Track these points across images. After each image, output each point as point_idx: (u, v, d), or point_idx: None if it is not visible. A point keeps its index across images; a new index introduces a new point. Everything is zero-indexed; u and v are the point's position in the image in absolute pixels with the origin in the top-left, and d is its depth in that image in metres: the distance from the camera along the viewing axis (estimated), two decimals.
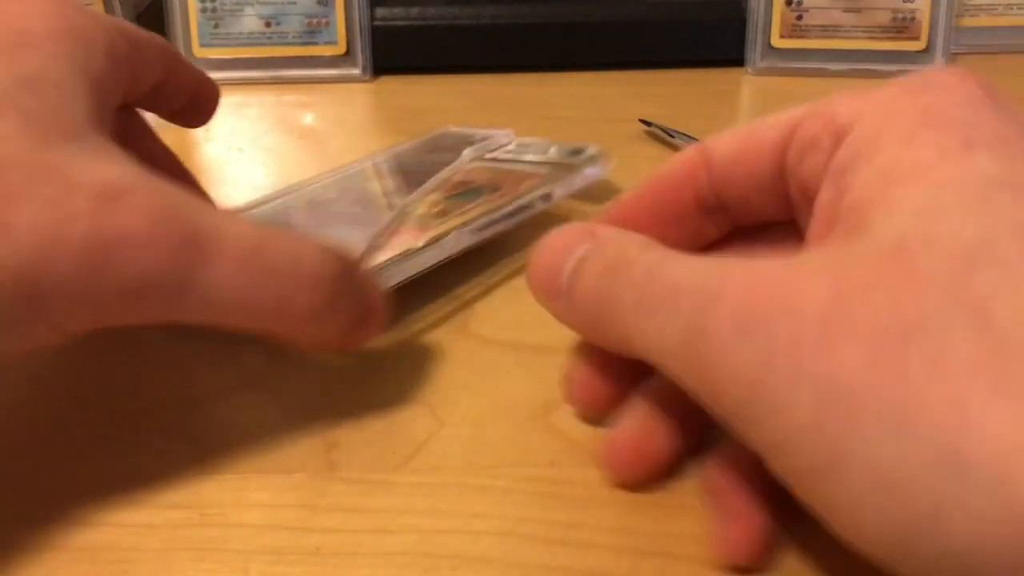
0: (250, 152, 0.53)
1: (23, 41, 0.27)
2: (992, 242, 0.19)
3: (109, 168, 0.25)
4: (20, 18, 0.27)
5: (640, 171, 0.32)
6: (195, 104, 0.36)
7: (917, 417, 0.18)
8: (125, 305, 0.24)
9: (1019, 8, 0.64)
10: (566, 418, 0.30)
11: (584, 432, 0.29)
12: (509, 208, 0.38)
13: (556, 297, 0.27)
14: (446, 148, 0.44)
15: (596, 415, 0.29)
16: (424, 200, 0.38)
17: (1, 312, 0.23)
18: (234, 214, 0.28)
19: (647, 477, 0.27)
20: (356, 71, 0.61)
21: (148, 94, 0.33)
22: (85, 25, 0.29)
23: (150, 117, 0.36)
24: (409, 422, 0.30)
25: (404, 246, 0.35)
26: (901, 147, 0.22)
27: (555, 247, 0.27)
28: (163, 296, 0.24)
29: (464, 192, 0.39)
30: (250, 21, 0.61)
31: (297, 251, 0.26)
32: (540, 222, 0.36)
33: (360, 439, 0.29)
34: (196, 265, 0.24)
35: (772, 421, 0.20)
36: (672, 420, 0.27)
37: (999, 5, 0.63)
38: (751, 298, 0.21)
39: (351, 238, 0.35)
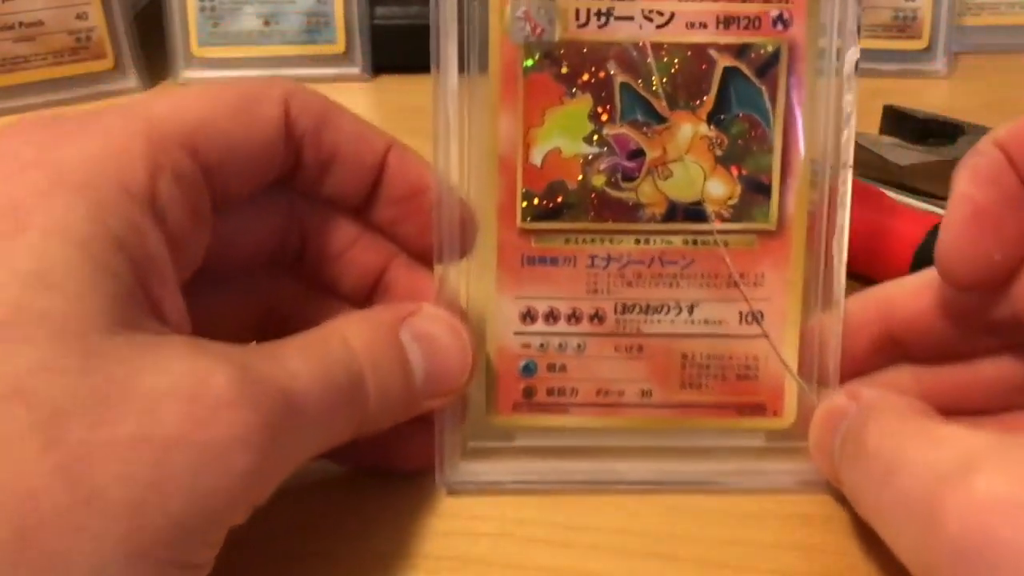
0: None
1: (15, 222, 0.19)
2: None
3: (172, 368, 0.19)
4: (5, 183, 0.20)
5: None
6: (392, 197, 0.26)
7: None
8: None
9: (1021, 7, 0.60)
10: None
11: None
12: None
13: (837, 482, 0.25)
14: None
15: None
16: None
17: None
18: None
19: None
20: (355, 70, 0.58)
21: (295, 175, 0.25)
22: (91, 163, 0.20)
23: None
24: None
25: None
26: None
27: (821, 428, 0.25)
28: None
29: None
30: (249, 20, 0.58)
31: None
32: None
33: None
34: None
35: None
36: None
37: (1001, 4, 0.60)
38: (975, 536, 0.18)
39: None
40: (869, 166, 0.44)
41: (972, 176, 0.24)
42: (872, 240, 0.35)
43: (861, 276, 0.36)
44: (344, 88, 0.59)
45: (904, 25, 0.58)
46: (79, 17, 0.55)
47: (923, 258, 0.34)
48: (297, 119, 0.24)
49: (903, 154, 0.44)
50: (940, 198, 0.42)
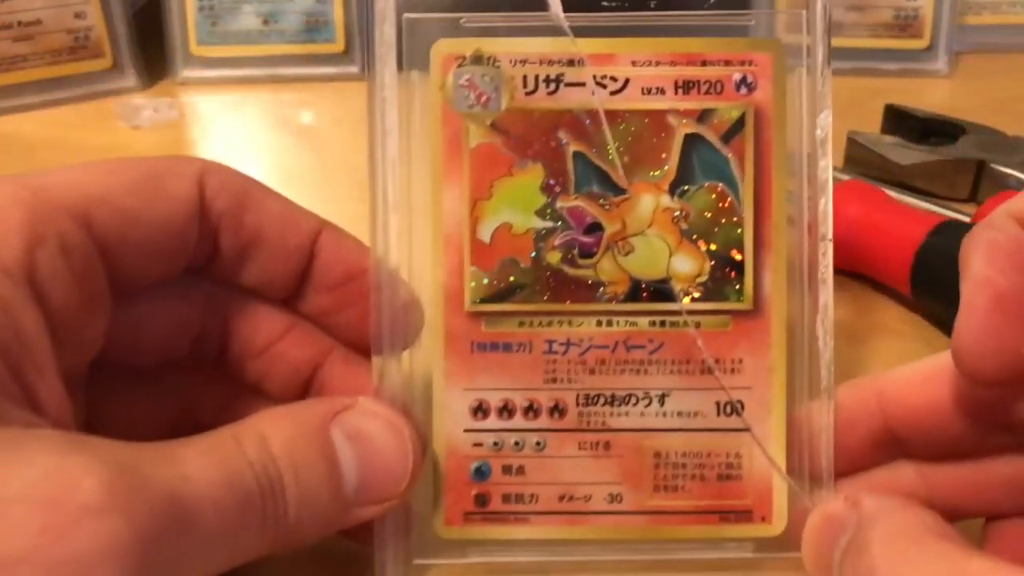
0: (247, 151, 0.51)
1: None
2: None
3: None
4: None
5: None
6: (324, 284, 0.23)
7: None
8: None
9: (1022, 7, 0.60)
10: None
11: None
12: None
13: None
14: None
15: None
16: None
17: None
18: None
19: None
20: (355, 69, 0.58)
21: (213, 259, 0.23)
22: None
23: None
24: None
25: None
26: None
27: (817, 540, 0.21)
28: None
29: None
30: (248, 19, 0.57)
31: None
32: None
33: None
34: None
35: None
36: None
37: (1002, 3, 0.60)
38: None
39: None
40: (870, 165, 0.44)
41: (990, 256, 0.20)
42: (872, 240, 0.35)
43: (861, 276, 0.36)
44: (343, 88, 0.58)
45: (905, 24, 0.58)
46: (77, 16, 0.54)
47: (923, 258, 0.34)
48: (214, 199, 0.22)
49: (904, 153, 0.44)
50: (941, 198, 0.42)
